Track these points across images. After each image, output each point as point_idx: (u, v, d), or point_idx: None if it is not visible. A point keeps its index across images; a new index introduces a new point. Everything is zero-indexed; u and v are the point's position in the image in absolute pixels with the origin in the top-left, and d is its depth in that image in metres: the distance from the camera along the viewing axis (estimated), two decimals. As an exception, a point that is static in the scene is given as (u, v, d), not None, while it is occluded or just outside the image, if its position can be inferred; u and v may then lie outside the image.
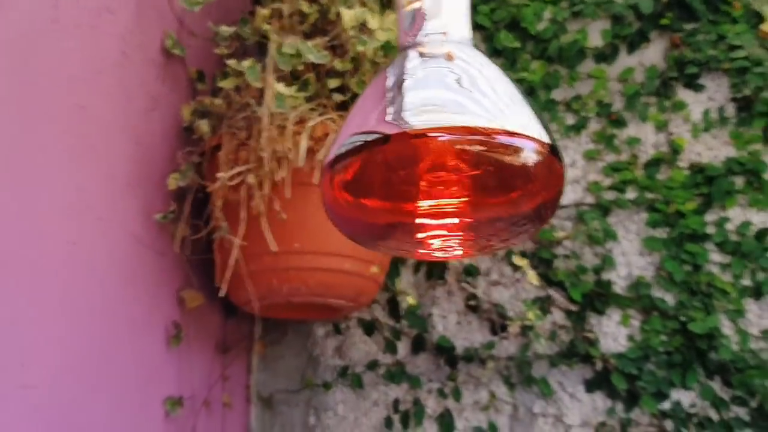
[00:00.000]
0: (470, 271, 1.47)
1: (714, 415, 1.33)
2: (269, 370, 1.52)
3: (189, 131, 1.33)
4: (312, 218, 1.25)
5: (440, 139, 0.53)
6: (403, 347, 1.48)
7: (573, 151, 1.51)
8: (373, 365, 1.47)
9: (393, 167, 0.55)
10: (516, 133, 0.53)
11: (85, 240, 1.08)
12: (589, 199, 1.48)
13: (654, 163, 1.46)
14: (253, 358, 1.46)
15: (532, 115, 0.55)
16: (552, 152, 0.55)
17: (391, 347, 1.47)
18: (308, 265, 1.25)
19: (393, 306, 1.50)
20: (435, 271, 1.49)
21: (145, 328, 1.21)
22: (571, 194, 1.50)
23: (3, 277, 0.93)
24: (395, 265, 1.48)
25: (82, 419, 1.04)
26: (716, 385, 1.34)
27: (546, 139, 0.54)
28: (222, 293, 1.21)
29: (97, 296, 1.10)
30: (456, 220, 0.57)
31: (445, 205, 0.56)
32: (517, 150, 0.53)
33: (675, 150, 1.45)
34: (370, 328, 1.50)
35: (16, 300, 0.95)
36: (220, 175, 1.21)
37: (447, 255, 0.59)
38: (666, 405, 1.34)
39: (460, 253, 0.59)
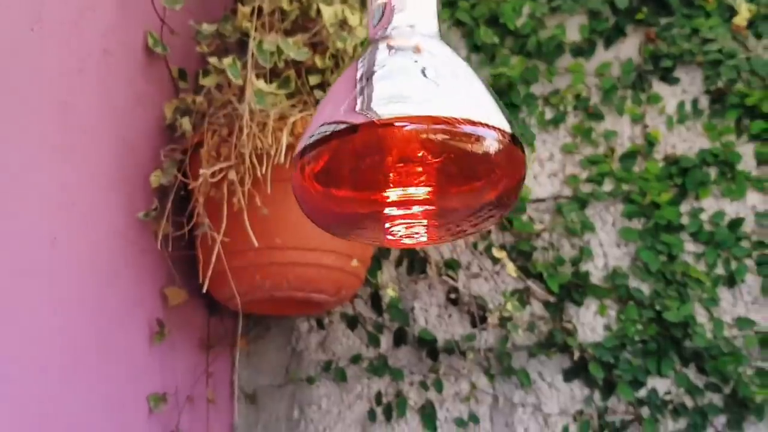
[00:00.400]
0: (451, 265, 1.49)
1: (689, 402, 1.36)
2: (253, 366, 1.53)
3: (171, 129, 1.35)
4: (293, 214, 1.25)
5: (406, 128, 0.55)
6: (385, 341, 1.50)
7: (551, 145, 1.54)
8: (356, 359, 1.49)
9: (361, 157, 0.57)
10: (478, 123, 0.55)
11: (68, 236, 1.10)
12: (567, 192, 1.51)
13: (630, 156, 1.48)
14: (237, 354, 1.48)
15: (494, 105, 0.57)
16: (513, 141, 0.57)
17: (373, 341, 1.49)
18: (290, 260, 1.27)
19: (375, 300, 1.52)
20: (416, 265, 1.52)
21: (129, 324, 1.22)
22: (549, 187, 1.52)
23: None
24: (377, 260, 1.50)
25: (64, 415, 1.06)
26: (691, 373, 1.37)
27: (507, 128, 0.56)
28: (204, 289, 1.23)
29: (79, 292, 1.11)
30: (422, 209, 0.59)
31: (412, 194, 0.58)
32: (479, 139, 0.55)
33: (650, 142, 1.48)
34: (353, 322, 1.52)
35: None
36: (202, 171, 1.22)
37: (414, 242, 0.61)
38: (642, 393, 1.37)
39: (425, 239, 0.61)
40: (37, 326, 1.02)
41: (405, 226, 0.59)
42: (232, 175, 1.22)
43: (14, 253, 0.99)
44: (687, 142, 1.47)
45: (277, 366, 1.53)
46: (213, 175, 1.22)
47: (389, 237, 0.61)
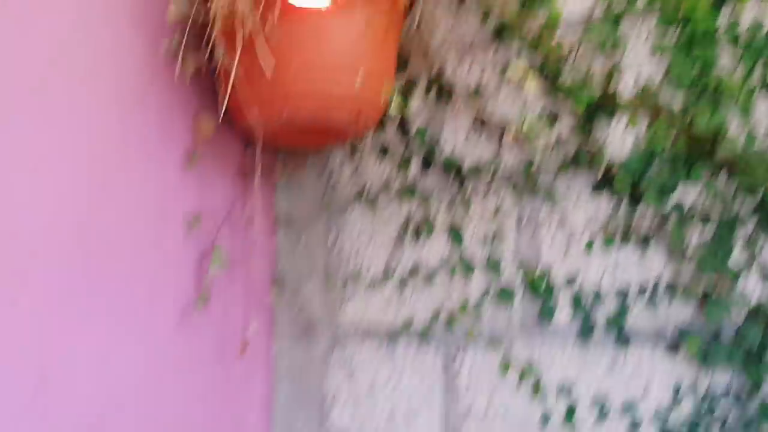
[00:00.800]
0: (477, 90, 1.50)
1: (716, 211, 1.34)
2: (290, 195, 1.63)
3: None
4: (307, 42, 1.30)
5: None
6: (414, 167, 1.54)
7: (584, -39, 1.47)
8: (386, 186, 1.55)
9: None
10: None
11: (93, 71, 1.18)
12: (599, 9, 1.45)
13: (664, -36, 1.40)
14: (275, 184, 1.57)
15: None
16: None
17: (403, 168, 1.54)
18: (304, 87, 1.31)
19: (403, 129, 1.56)
20: (443, 93, 1.53)
21: (162, 152, 1.32)
22: (579, 4, 1.47)
23: (19, 107, 1.04)
24: (406, 88, 1.53)
25: (103, 233, 1.17)
26: (720, 182, 1.34)
27: None
28: (220, 118, 1.30)
29: (107, 123, 1.20)
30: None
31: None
32: None
33: (687, -54, 1.39)
34: (383, 151, 1.57)
35: (32, 123, 1.06)
36: (214, 2, 1.26)
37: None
38: (669, 203, 1.36)
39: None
40: (69, 142, 1.12)
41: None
42: (242, 4, 1.26)
43: (45, 85, 1.08)
44: (722, -57, 1.37)
45: (313, 195, 1.61)
46: (224, 4, 1.26)
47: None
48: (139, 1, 1.29)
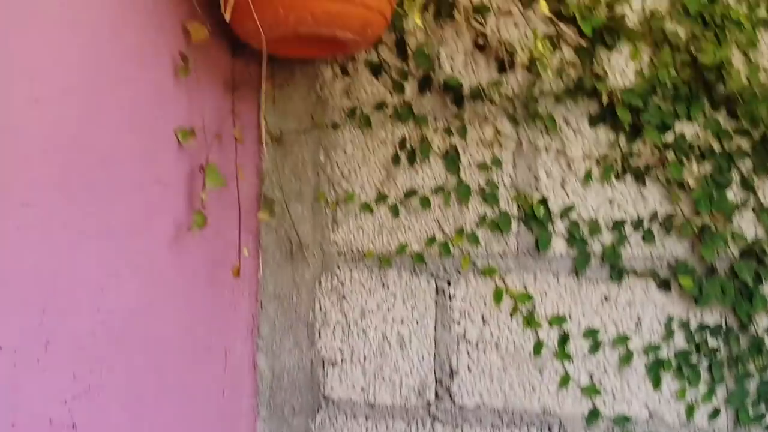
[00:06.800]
0: (479, 9, 1.44)
1: (716, 146, 1.35)
2: (279, 110, 1.54)
3: None
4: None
5: None
6: (410, 88, 1.48)
7: None
8: (380, 105, 1.48)
9: None
10: None
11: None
12: (607, -68, 1.40)
13: None
14: (263, 97, 1.47)
15: None
16: None
17: (398, 88, 1.48)
18: (315, -6, 1.22)
19: (401, 47, 1.48)
20: (443, 9, 1.46)
21: (152, 57, 1.20)
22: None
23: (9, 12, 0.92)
24: (403, 3, 1.45)
25: (94, 144, 1.07)
26: (721, 117, 1.35)
27: None
28: (227, 19, 1.19)
29: (97, 25, 1.08)
30: None
31: None
32: None
33: None
34: (377, 69, 1.49)
35: (25, 32, 0.94)
36: None
37: None
38: (669, 137, 1.36)
39: None
40: (63, 51, 1.00)
41: None
42: None
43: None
44: None
45: (302, 111, 1.53)
46: None
47: None
48: None
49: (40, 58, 0.96)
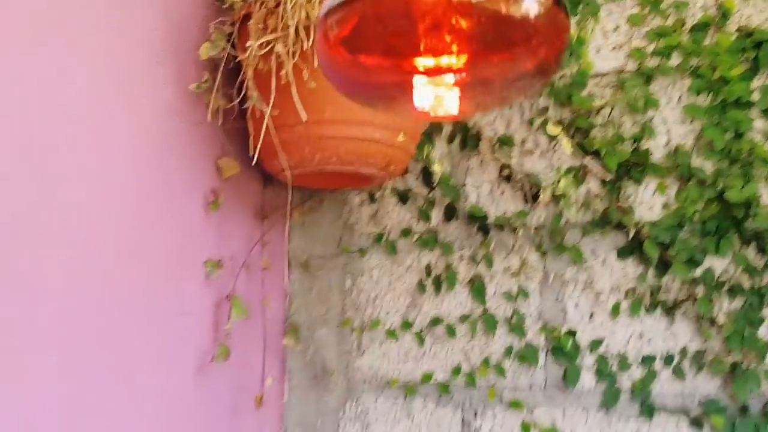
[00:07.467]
0: (505, 141, 1.47)
1: (746, 282, 1.33)
2: (306, 237, 1.57)
3: (220, 1, 1.32)
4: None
5: (433, -11, 0.52)
6: (435, 215, 1.50)
7: (617, 16, 1.45)
8: (406, 232, 1.50)
9: (389, 22, 0.54)
10: (515, -19, 0.51)
11: (120, 110, 1.11)
12: (631, 66, 1.43)
13: (701, 27, 1.39)
14: (291, 224, 1.51)
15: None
16: (556, 3, 0.53)
17: (424, 215, 1.50)
18: (339, 134, 1.26)
19: (426, 176, 1.51)
20: (469, 141, 1.49)
21: (184, 194, 1.25)
22: (612, 61, 1.45)
23: (44, 157, 0.97)
24: (428, 136, 1.48)
25: (122, 280, 1.11)
26: (750, 253, 1.33)
27: (549, -12, 0.52)
28: (254, 161, 1.24)
29: (132, 163, 1.14)
30: (454, 78, 0.56)
31: (444, 62, 0.56)
32: (517, 0, 0.52)
33: (723, 14, 1.38)
34: (404, 197, 1.52)
35: (54, 172, 0.99)
36: (249, 43, 1.21)
37: (444, 113, 0.59)
38: (698, 272, 1.35)
39: (455, 111, 0.59)
40: (91, 195, 1.05)
41: (435, 96, 0.57)
42: (280, 47, 1.20)
43: (66, 129, 1.01)
44: (763, 13, 1.36)
45: (330, 236, 1.56)
46: (261, 47, 1.21)
47: (418, 107, 0.59)
48: (170, 38, 1.23)
49: (76, 192, 1.01)
